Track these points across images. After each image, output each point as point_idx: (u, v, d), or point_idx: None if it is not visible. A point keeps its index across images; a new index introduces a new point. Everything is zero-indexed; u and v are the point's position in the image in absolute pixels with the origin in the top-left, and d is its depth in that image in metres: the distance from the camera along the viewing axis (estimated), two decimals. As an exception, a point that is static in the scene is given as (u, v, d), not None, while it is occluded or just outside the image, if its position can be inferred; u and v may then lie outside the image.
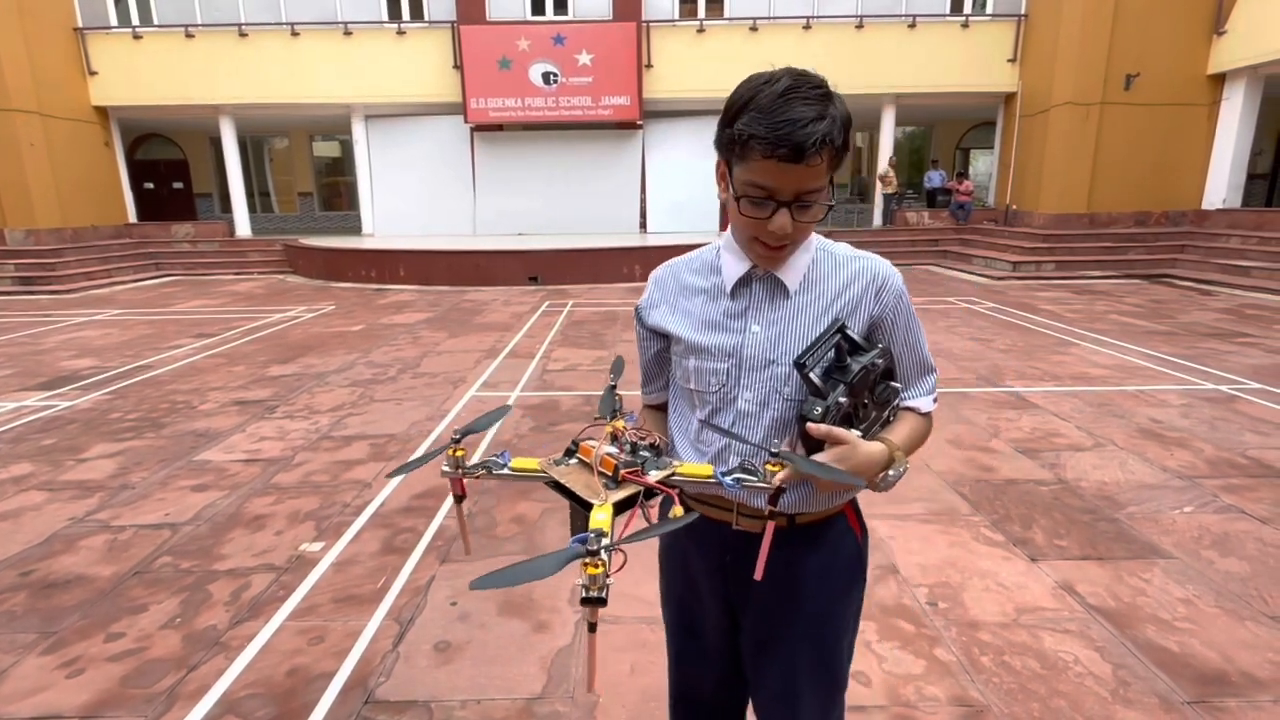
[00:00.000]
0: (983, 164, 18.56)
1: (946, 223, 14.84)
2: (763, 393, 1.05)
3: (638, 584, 2.60)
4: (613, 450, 0.93)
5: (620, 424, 0.98)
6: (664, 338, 1.17)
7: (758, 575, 0.94)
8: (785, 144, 0.89)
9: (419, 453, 4.03)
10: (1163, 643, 2.23)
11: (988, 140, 16.49)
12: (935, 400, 1.14)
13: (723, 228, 14.92)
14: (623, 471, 0.90)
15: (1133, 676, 2.08)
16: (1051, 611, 2.41)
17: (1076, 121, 12.22)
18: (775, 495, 0.90)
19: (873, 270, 1.06)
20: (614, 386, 1.08)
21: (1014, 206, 14.06)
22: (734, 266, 1.08)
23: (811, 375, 0.97)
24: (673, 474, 0.93)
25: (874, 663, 2.16)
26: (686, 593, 1.24)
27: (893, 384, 1.05)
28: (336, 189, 19.69)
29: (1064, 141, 12.39)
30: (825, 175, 0.94)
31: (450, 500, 3.35)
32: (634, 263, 11.95)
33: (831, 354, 1.00)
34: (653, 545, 1.26)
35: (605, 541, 0.73)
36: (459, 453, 0.97)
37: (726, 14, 14.44)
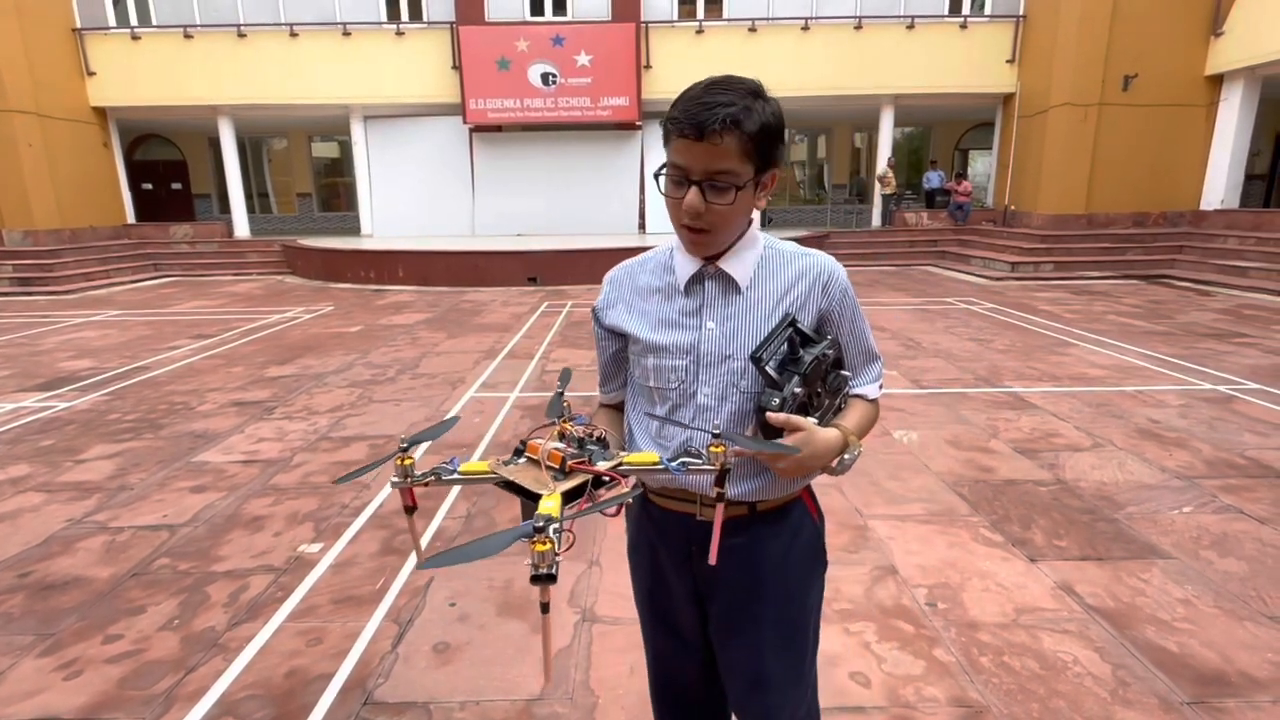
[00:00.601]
0: (981, 165, 18.58)
1: (945, 223, 14.86)
2: (721, 387, 1.09)
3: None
4: (559, 445, 0.96)
5: (567, 425, 1.01)
6: (622, 337, 1.20)
7: (711, 559, 0.96)
8: (690, 122, 0.96)
9: (418, 453, 4.02)
10: (1162, 643, 2.23)
11: (986, 141, 16.51)
12: (881, 387, 1.20)
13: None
14: (570, 462, 0.92)
15: (1132, 677, 2.08)
16: (1051, 612, 2.41)
17: (1075, 122, 12.24)
18: (721, 477, 0.92)
19: (819, 266, 1.11)
20: (561, 393, 1.12)
21: (1012, 207, 14.08)
22: (686, 265, 1.12)
23: (767, 368, 1.02)
24: (620, 464, 0.95)
25: (873, 663, 2.16)
26: (656, 587, 1.26)
27: (842, 373, 1.11)
28: (335, 190, 19.68)
29: (1062, 142, 12.41)
30: (736, 158, 0.97)
31: (448, 502, 3.35)
32: (633, 263, 11.92)
33: (784, 347, 1.04)
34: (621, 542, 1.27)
35: (554, 523, 0.75)
36: (407, 461, 0.97)
37: (725, 15, 14.45)
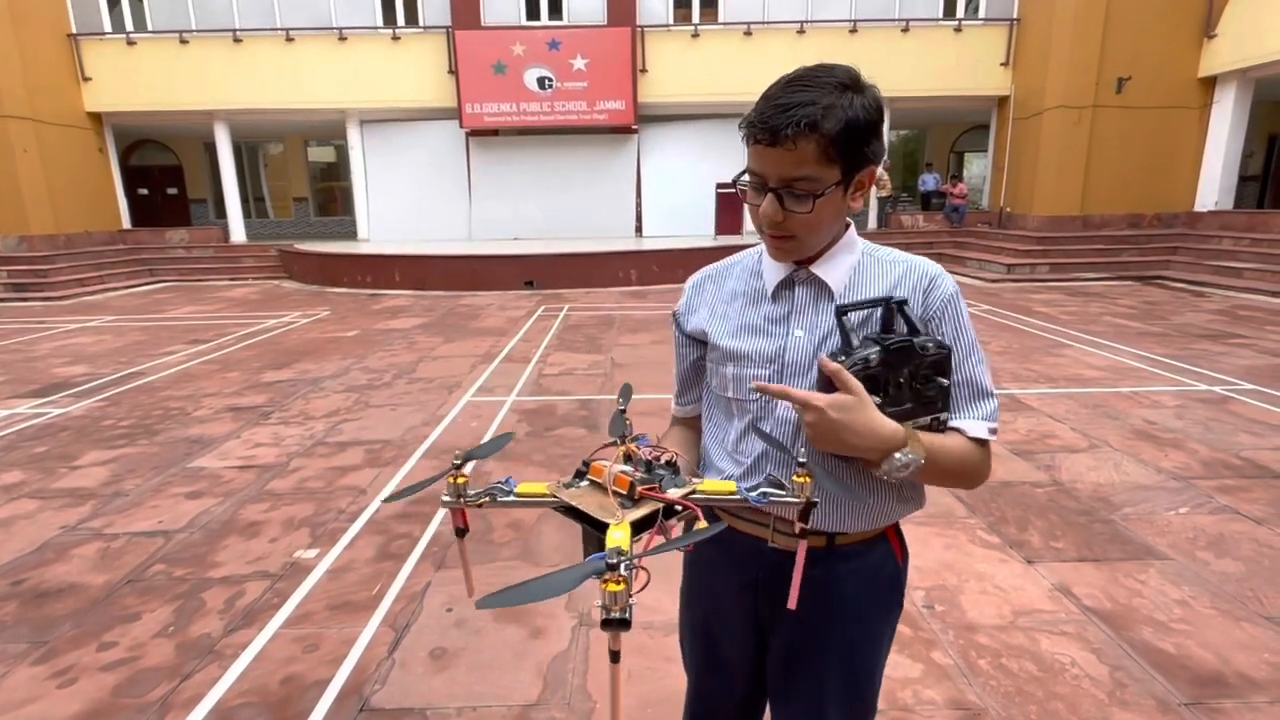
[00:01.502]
0: (977, 167, 18.63)
1: (941, 225, 14.90)
2: None
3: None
4: (627, 468, 0.88)
5: (633, 446, 0.93)
6: (702, 344, 1.13)
7: (791, 604, 0.88)
8: (764, 126, 0.88)
9: (414, 458, 4.02)
10: (1159, 644, 2.23)
11: (981, 143, 16.56)
12: (993, 431, 1.00)
13: (718, 231, 14.98)
14: (640, 489, 0.85)
15: (1129, 678, 2.08)
16: (1048, 614, 2.41)
17: (1069, 124, 12.29)
18: (805, 511, 0.83)
19: (920, 271, 1.01)
20: (623, 410, 1.04)
21: (1008, 209, 14.12)
22: (776, 269, 1.04)
23: (846, 325, 0.93)
24: (693, 492, 0.88)
25: (871, 666, 2.15)
26: (712, 613, 1.19)
27: (939, 379, 0.95)
28: (332, 194, 19.65)
29: (1057, 144, 12.46)
30: (815, 164, 0.89)
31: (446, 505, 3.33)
32: (629, 267, 11.95)
33: (879, 322, 0.96)
34: (667, 555, 1.24)
35: (625, 558, 0.68)
36: (460, 479, 0.91)
37: (721, 18, 14.49)
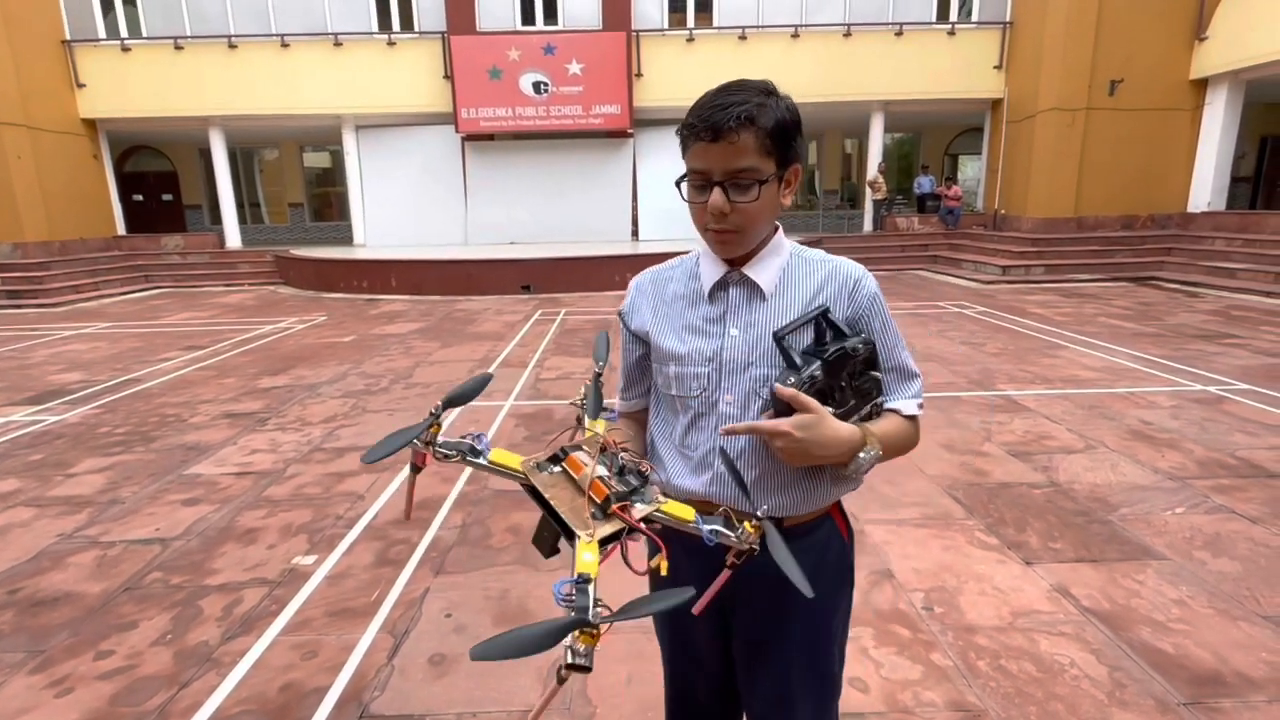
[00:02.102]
0: (971, 169, 18.72)
1: (936, 228, 14.95)
2: (743, 395, 1.07)
3: (634, 593, 2.59)
4: (604, 474, 0.89)
5: (603, 428, 0.95)
6: (647, 343, 1.18)
7: (695, 611, 0.93)
8: (705, 124, 0.97)
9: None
10: (1158, 644, 2.23)
11: (976, 146, 16.64)
12: (921, 406, 1.13)
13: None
14: (613, 505, 0.86)
15: (1128, 678, 2.08)
16: (1047, 614, 2.42)
17: (1062, 127, 12.36)
18: (742, 552, 0.89)
19: (845, 272, 1.09)
20: (600, 375, 1.06)
21: (1002, 211, 14.18)
22: (711, 271, 1.11)
23: (787, 348, 1.00)
24: (657, 509, 0.91)
25: (871, 668, 2.16)
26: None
27: (873, 373, 1.05)
28: (327, 199, 19.64)
29: (1050, 146, 12.52)
30: (755, 155, 0.97)
31: (443, 512, 3.33)
32: (626, 270, 11.96)
33: (810, 335, 1.04)
34: (638, 541, 1.25)
35: (604, 614, 0.72)
36: (433, 429, 0.91)
37: (715, 23, 14.55)
